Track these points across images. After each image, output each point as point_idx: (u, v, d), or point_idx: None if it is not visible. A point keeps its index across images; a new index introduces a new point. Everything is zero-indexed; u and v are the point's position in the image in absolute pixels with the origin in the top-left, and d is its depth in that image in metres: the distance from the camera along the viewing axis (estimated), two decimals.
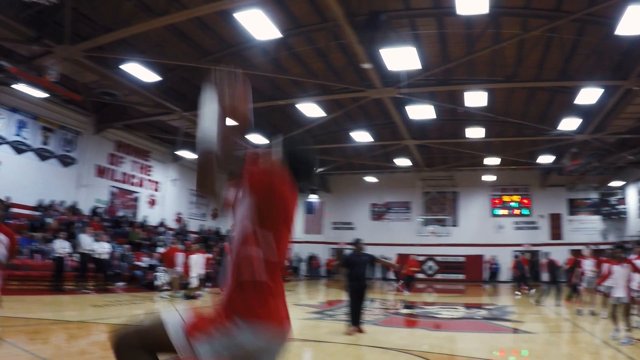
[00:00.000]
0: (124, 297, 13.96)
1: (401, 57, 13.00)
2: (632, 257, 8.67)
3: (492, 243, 29.97)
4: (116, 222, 20.96)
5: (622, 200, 27.76)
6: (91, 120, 20.50)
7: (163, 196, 25.36)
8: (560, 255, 20.41)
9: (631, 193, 26.53)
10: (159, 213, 24.75)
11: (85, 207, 19.88)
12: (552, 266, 15.78)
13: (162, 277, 15.74)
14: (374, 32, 12.73)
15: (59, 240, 14.31)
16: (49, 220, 17.06)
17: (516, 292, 19.59)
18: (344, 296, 9.82)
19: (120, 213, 22.14)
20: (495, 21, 14.29)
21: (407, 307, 14.47)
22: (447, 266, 31.16)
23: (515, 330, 9.70)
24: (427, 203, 32.12)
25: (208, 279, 16.62)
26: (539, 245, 28.86)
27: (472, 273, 30.19)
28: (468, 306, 15.02)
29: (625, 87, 14.76)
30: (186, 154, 22.78)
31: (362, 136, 22.37)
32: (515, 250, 26.66)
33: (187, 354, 2.00)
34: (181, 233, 23.87)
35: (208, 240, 24.48)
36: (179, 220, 26.11)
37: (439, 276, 30.95)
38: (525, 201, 31.04)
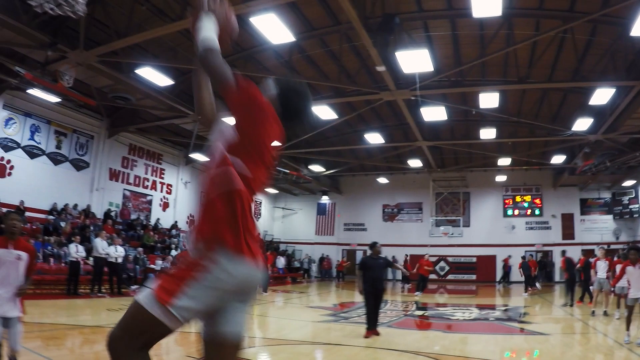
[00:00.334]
0: None
1: (415, 60, 13.02)
2: None
3: (504, 243, 29.82)
4: (129, 225, 21.13)
5: (634, 200, 27.58)
6: (104, 124, 20.69)
7: (175, 199, 25.53)
8: (572, 255, 20.25)
9: None
10: (172, 216, 24.95)
11: (98, 211, 20.07)
12: (569, 264, 15.71)
13: None
14: (387, 35, 12.76)
15: (73, 244, 14.40)
16: (63, 224, 17.22)
17: (524, 293, 19.88)
18: (357, 298, 9.84)
19: (134, 216, 22.31)
20: (508, 22, 14.23)
21: (420, 308, 14.47)
22: (458, 267, 31.12)
23: (529, 332, 9.66)
24: (439, 204, 32.02)
25: None
26: (550, 245, 28.77)
27: (484, 273, 30.12)
28: (481, 307, 15.00)
29: (638, 87, 14.65)
30: (199, 157, 22.88)
31: (374, 138, 22.36)
32: (527, 251, 26.52)
33: (172, 322, 1.91)
34: None
35: None
36: (191, 222, 26.10)
37: (450, 277, 30.95)
38: (537, 201, 30.83)
